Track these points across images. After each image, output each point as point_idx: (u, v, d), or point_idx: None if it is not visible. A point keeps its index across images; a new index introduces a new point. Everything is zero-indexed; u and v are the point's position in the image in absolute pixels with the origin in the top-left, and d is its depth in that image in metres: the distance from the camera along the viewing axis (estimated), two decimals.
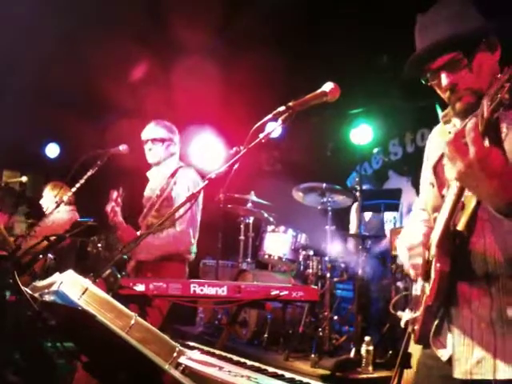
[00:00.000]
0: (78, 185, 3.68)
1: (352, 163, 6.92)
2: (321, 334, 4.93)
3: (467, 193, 1.58)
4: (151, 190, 3.94)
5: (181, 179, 3.76)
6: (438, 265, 1.60)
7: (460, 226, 1.61)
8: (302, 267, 5.77)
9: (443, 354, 1.72)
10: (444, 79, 1.74)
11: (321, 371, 4.36)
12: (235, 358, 1.66)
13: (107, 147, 3.79)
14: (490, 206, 1.45)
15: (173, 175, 3.81)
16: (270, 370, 1.48)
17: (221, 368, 1.39)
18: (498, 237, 1.61)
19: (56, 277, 1.50)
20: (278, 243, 5.92)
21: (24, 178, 5.36)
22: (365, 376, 4.38)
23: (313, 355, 4.60)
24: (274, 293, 2.58)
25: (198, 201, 3.71)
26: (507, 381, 1.57)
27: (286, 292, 2.60)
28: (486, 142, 1.39)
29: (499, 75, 1.40)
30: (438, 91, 1.82)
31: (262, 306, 2.69)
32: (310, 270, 5.52)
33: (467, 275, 1.65)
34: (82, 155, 3.57)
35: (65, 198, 3.91)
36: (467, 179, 1.40)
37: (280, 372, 1.45)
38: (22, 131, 7.09)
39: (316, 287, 3.90)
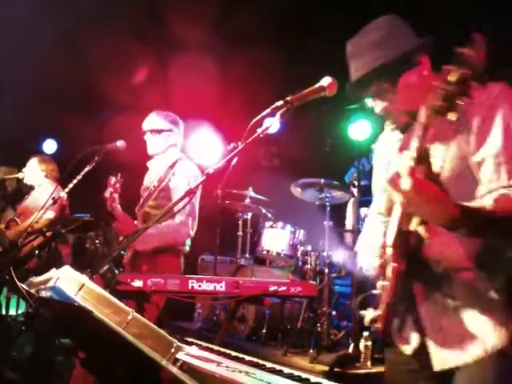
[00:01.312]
0: (75, 181, 3.66)
1: (350, 159, 6.89)
2: (319, 329, 4.93)
3: None
4: (149, 180, 3.92)
5: (179, 171, 3.74)
6: (394, 264, 1.70)
7: (413, 227, 1.70)
8: (300, 263, 5.76)
9: (406, 349, 1.86)
10: (376, 107, 1.91)
11: (319, 367, 4.36)
12: (233, 353, 1.66)
13: (104, 143, 3.77)
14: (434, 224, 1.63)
15: (172, 166, 3.78)
16: (269, 365, 1.48)
17: (219, 363, 1.38)
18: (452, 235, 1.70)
19: (53, 272, 1.49)
20: (276, 239, 5.90)
21: (21, 175, 5.34)
22: (363, 371, 4.38)
23: (311, 351, 4.60)
24: (272, 288, 2.57)
25: (196, 193, 3.69)
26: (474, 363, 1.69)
27: (284, 288, 2.60)
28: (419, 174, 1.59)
29: (435, 82, 1.55)
30: (376, 107, 1.94)
31: (261, 301, 2.69)
32: (308, 266, 5.51)
33: (423, 273, 1.76)
34: (80, 151, 3.55)
35: (62, 194, 3.88)
36: (408, 208, 1.61)
37: (278, 367, 1.45)
38: (19, 127, 7.06)
39: (314, 283, 3.90)
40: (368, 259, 1.88)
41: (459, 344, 1.71)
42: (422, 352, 1.81)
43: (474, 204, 1.61)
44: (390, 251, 1.72)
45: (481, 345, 1.68)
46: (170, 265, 3.62)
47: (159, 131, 3.86)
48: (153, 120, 3.92)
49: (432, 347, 1.78)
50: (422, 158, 1.60)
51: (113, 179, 3.65)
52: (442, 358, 1.76)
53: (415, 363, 1.84)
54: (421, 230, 1.68)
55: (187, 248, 3.79)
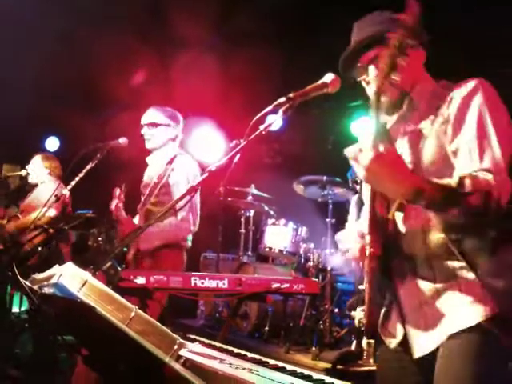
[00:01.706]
0: (77, 178, 3.66)
1: None
2: (322, 326, 4.93)
3: None
4: (149, 176, 3.91)
5: (178, 167, 3.73)
6: (371, 249, 1.72)
7: (390, 214, 1.77)
8: (302, 260, 5.76)
9: (391, 342, 1.87)
10: (372, 71, 1.90)
11: (322, 364, 4.36)
12: (236, 350, 1.66)
13: (107, 140, 3.77)
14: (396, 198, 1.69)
15: (170, 162, 3.77)
16: (271, 362, 1.48)
17: (222, 360, 1.38)
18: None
19: (55, 269, 1.49)
20: (278, 236, 5.90)
21: (24, 172, 5.34)
22: (366, 368, 4.37)
23: (314, 348, 4.60)
24: (274, 285, 2.58)
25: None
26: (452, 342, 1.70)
27: (286, 285, 2.60)
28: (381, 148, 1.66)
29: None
30: (366, 87, 1.96)
31: (263, 298, 2.69)
32: (311, 263, 5.51)
33: (407, 256, 1.80)
34: (82, 149, 3.55)
35: (65, 192, 3.89)
36: (370, 181, 1.66)
37: (281, 364, 1.45)
38: (21, 125, 7.07)
39: (317, 280, 3.89)
40: (348, 245, 1.90)
41: (439, 326, 1.73)
42: (406, 344, 1.82)
43: (440, 181, 1.64)
44: (367, 238, 1.75)
45: (459, 322, 1.69)
46: (173, 260, 3.63)
47: (156, 125, 3.86)
48: (151, 114, 3.92)
49: (412, 334, 1.80)
50: (383, 132, 1.70)
51: (117, 191, 3.64)
52: (421, 344, 1.77)
53: (406, 359, 1.84)
54: (397, 216, 1.74)
55: (189, 243, 3.79)
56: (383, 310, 1.85)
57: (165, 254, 3.62)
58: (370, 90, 1.88)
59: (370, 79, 1.91)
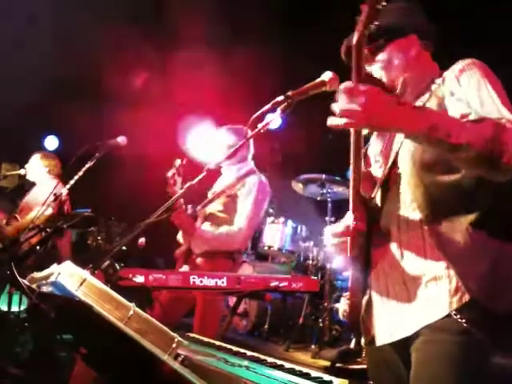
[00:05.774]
0: (76, 177, 3.66)
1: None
2: (321, 324, 4.93)
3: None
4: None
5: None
6: (356, 223, 1.67)
7: (374, 193, 1.75)
8: (301, 258, 5.76)
9: (371, 339, 1.76)
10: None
11: (321, 362, 4.37)
12: (235, 348, 1.66)
13: (106, 139, 3.76)
14: (410, 137, 1.55)
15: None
16: (270, 360, 1.48)
17: (220, 358, 1.38)
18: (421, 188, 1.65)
19: (54, 268, 1.49)
20: (277, 234, 5.91)
21: (23, 171, 5.33)
22: (365, 366, 4.38)
23: (313, 346, 4.61)
24: (273, 284, 2.58)
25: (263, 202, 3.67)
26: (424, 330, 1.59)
27: (285, 283, 2.60)
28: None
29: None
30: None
31: (262, 296, 2.69)
32: (310, 261, 5.51)
33: (381, 239, 1.72)
34: (81, 147, 3.55)
35: (63, 191, 3.88)
36: (372, 115, 1.45)
37: (280, 362, 1.45)
38: (20, 124, 7.07)
39: (316, 278, 3.90)
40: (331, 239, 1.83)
41: (407, 315, 1.63)
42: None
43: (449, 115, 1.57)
44: (351, 217, 1.70)
45: (430, 312, 1.58)
46: (225, 268, 3.49)
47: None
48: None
49: (377, 321, 1.72)
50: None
51: (178, 161, 3.57)
52: (385, 332, 1.69)
53: (395, 358, 1.72)
54: (377, 195, 1.71)
55: (243, 257, 3.71)
56: (365, 298, 1.76)
57: (219, 262, 3.54)
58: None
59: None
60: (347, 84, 1.48)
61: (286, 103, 1.88)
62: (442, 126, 1.45)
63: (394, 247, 1.71)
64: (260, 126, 1.89)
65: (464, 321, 1.53)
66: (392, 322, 1.69)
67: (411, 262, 1.67)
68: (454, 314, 1.55)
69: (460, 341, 1.54)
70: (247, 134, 1.92)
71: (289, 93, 1.89)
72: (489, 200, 1.61)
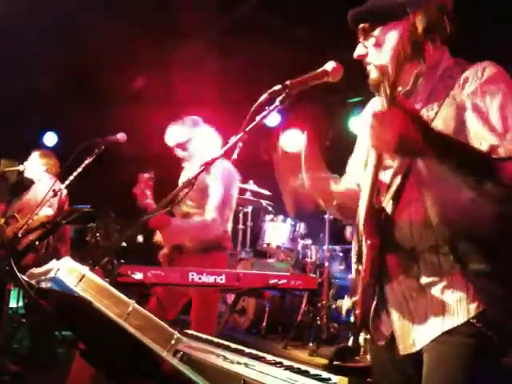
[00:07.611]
0: (75, 173, 3.65)
1: (351, 152, 6.88)
2: (319, 322, 4.94)
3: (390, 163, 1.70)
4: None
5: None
6: (369, 241, 1.63)
7: (384, 202, 1.67)
8: (300, 256, 5.77)
9: (380, 338, 1.75)
10: (372, 52, 1.77)
11: (319, 359, 4.38)
12: (233, 345, 1.66)
13: (105, 135, 3.75)
14: (438, 162, 1.51)
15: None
16: (268, 357, 1.48)
17: (219, 355, 1.38)
18: (434, 198, 1.62)
19: (53, 263, 1.49)
20: (276, 232, 5.91)
21: (22, 167, 5.32)
22: (363, 364, 4.39)
23: (311, 344, 4.61)
24: (272, 281, 2.58)
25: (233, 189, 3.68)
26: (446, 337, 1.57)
27: (284, 280, 2.61)
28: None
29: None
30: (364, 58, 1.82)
31: (261, 294, 2.70)
32: (309, 259, 5.52)
33: (394, 249, 1.67)
34: (80, 144, 3.54)
35: (61, 187, 3.88)
36: (402, 143, 1.45)
37: (278, 359, 1.45)
38: (19, 120, 7.05)
39: (314, 276, 3.90)
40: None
41: (426, 324, 1.61)
42: (394, 342, 1.71)
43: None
44: (361, 228, 1.66)
45: (448, 320, 1.57)
46: (220, 260, 3.54)
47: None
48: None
49: (398, 331, 1.68)
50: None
51: (144, 175, 3.60)
52: (408, 342, 1.65)
53: (393, 353, 1.71)
54: (388, 205, 1.65)
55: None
56: (375, 302, 1.72)
57: (212, 255, 3.53)
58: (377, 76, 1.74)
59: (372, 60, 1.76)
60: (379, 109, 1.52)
61: (284, 94, 1.76)
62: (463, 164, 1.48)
63: (407, 256, 1.67)
64: (258, 118, 1.77)
65: (480, 325, 1.54)
66: (412, 330, 1.66)
67: (426, 272, 1.63)
68: (470, 323, 1.55)
69: (474, 342, 1.54)
70: (246, 125, 1.84)
71: (287, 82, 1.77)
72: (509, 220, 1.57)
